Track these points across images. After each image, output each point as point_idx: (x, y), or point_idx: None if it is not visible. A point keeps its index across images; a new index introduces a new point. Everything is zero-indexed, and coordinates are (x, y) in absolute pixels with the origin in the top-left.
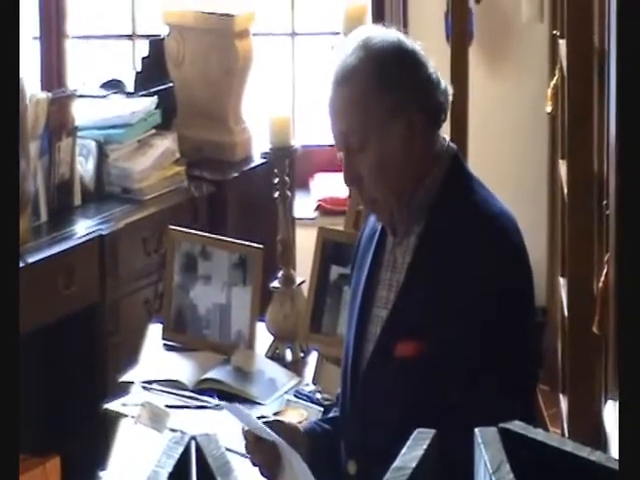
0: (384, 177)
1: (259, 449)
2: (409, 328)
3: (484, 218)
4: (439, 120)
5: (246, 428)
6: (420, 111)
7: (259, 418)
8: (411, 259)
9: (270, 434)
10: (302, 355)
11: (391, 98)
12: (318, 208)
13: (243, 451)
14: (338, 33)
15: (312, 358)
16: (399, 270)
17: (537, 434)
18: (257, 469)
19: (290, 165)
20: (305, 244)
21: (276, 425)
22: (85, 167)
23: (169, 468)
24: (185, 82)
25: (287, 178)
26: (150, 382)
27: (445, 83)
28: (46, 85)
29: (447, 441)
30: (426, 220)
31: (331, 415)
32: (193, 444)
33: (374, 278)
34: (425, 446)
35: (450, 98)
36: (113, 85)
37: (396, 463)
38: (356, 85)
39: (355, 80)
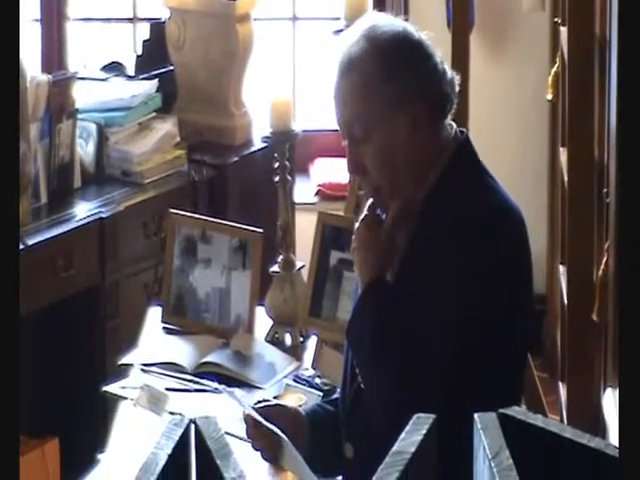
0: (387, 168)
1: (260, 434)
2: (405, 309)
3: (482, 207)
4: (445, 111)
5: (247, 412)
6: (425, 102)
7: (259, 402)
8: (408, 243)
9: (267, 425)
10: (301, 339)
11: (394, 89)
12: (318, 193)
13: (242, 434)
14: (339, 18)
15: (311, 343)
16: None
17: (537, 420)
18: (258, 453)
19: (290, 149)
20: (305, 229)
21: (277, 409)
22: (85, 150)
23: (168, 450)
24: (186, 66)
25: (287, 162)
26: (149, 365)
27: (452, 73)
28: (47, 67)
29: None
30: (423, 207)
31: (335, 396)
32: (192, 427)
33: None
34: (424, 431)
35: (457, 88)
36: (114, 68)
37: (395, 448)
38: (359, 75)
39: (358, 70)
